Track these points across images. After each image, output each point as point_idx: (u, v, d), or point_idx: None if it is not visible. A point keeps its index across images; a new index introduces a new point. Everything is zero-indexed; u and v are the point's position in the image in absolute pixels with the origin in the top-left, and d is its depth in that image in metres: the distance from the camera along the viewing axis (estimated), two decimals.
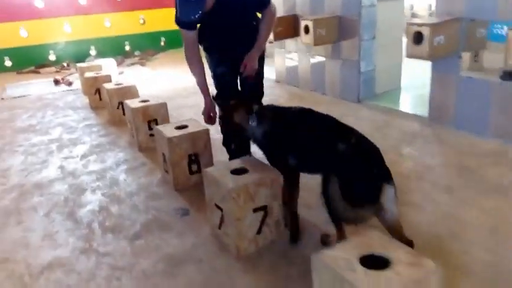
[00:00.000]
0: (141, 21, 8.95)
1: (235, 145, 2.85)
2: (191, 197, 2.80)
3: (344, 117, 4.06)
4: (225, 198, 2.07)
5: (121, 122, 4.34)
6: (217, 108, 2.69)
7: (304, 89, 5.22)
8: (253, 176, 2.12)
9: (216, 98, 2.67)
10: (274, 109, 2.34)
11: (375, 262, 1.38)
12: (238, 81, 2.77)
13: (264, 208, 2.13)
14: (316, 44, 4.42)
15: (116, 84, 4.43)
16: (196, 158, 2.91)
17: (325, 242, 2.20)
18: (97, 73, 5.13)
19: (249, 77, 2.63)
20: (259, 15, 2.72)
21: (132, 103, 3.67)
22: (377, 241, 1.49)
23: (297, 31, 5.06)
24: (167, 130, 2.90)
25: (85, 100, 5.39)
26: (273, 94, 5.15)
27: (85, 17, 8.20)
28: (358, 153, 1.98)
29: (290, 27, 5.08)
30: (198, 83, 2.68)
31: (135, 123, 3.57)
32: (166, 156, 2.87)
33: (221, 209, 2.14)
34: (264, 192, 2.11)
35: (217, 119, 2.68)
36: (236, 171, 2.19)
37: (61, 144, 3.92)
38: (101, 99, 5.04)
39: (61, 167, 3.41)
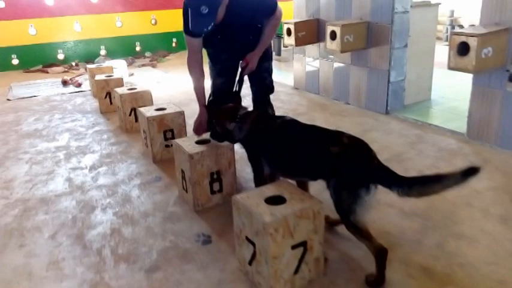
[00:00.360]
0: (153, 22, 8.70)
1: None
2: (213, 220, 2.51)
3: (373, 130, 3.83)
4: (260, 233, 1.78)
5: (133, 130, 4.08)
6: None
7: (326, 97, 4.93)
8: (293, 207, 1.82)
9: (210, 103, 2.90)
10: (257, 116, 2.40)
11: None
12: (248, 78, 2.91)
13: (303, 244, 1.85)
14: (343, 51, 4.14)
15: (128, 89, 4.16)
16: (218, 176, 2.63)
17: (370, 282, 1.92)
18: (108, 76, 4.87)
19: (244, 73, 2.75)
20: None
21: (147, 111, 3.40)
22: None
23: (320, 36, 4.80)
24: (187, 145, 2.62)
25: (94, 103, 5.13)
26: (292, 102, 4.88)
27: (96, 16, 7.96)
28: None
29: (313, 32, 4.80)
30: (195, 91, 2.80)
31: (150, 133, 3.30)
32: (186, 174, 2.59)
33: (253, 244, 1.86)
34: (305, 226, 1.83)
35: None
36: (271, 200, 1.90)
37: (69, 153, 3.65)
38: (111, 103, 4.77)
39: (68, 179, 3.14)
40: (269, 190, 1.99)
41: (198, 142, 2.67)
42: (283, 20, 2.94)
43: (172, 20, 8.80)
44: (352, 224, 1.88)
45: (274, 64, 3.17)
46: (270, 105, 3.09)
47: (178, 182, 2.80)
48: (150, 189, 2.95)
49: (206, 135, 2.67)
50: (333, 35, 4.14)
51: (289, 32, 4.76)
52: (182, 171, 2.66)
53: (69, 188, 3.00)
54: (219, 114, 2.45)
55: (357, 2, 4.26)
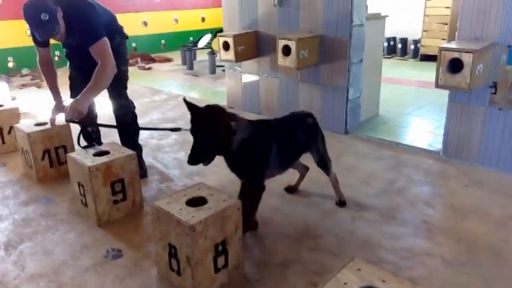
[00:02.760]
0: (28, 32, 7.24)
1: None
2: None
3: (344, 155, 3.51)
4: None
5: (48, 178, 3.08)
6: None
7: (269, 116, 4.43)
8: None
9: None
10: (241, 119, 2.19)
11: None
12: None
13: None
14: (299, 67, 3.70)
15: (36, 124, 3.12)
16: (224, 247, 1.91)
17: (340, 203, 2.66)
18: None
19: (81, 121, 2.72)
20: None
21: (84, 157, 2.50)
22: None
23: (259, 51, 4.32)
24: (177, 208, 1.87)
25: None
26: None
27: None
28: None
29: (252, 46, 4.29)
30: (50, 89, 3.02)
31: (93, 188, 2.42)
32: (181, 251, 1.84)
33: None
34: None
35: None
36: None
37: None
38: (4, 142, 3.61)
39: None
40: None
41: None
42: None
43: None
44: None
45: (184, 79, 3.04)
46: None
47: (160, 260, 2.01)
48: (112, 271, 2.10)
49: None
50: (287, 51, 3.67)
51: (226, 46, 4.16)
52: (172, 247, 1.89)
53: None
54: (220, 115, 2.02)
55: (306, 14, 3.86)
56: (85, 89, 2.62)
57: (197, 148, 1.97)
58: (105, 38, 2.68)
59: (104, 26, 2.75)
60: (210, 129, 1.96)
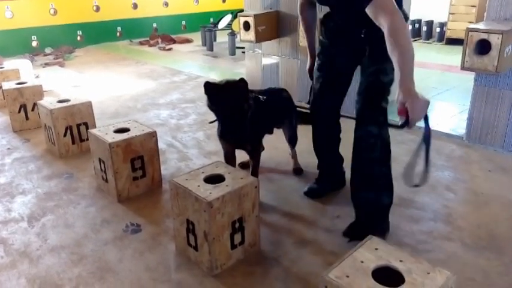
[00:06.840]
0: (52, 11, 7.35)
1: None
2: None
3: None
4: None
5: (70, 155, 3.14)
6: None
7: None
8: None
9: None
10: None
11: None
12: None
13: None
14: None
15: (59, 101, 3.17)
16: (240, 224, 1.93)
17: (296, 170, 2.83)
18: (20, 83, 3.74)
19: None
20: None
21: (104, 134, 2.53)
22: None
23: (280, 31, 4.27)
24: (196, 185, 1.89)
25: (1, 118, 3.96)
26: None
27: None
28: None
29: (273, 27, 4.24)
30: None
31: (114, 164, 2.45)
32: (199, 227, 1.86)
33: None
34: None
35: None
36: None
37: None
38: (27, 118, 3.69)
39: (2, 242, 2.17)
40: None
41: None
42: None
43: (76, 10, 7.55)
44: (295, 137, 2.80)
45: (203, 60, 3.02)
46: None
47: (178, 235, 2.04)
48: (131, 245, 2.14)
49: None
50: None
51: (247, 26, 4.12)
52: (189, 223, 1.91)
53: (7, 257, 2.05)
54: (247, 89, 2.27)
55: None
56: (396, 66, 1.69)
57: (230, 117, 2.23)
58: None
59: None
60: (241, 99, 2.19)
